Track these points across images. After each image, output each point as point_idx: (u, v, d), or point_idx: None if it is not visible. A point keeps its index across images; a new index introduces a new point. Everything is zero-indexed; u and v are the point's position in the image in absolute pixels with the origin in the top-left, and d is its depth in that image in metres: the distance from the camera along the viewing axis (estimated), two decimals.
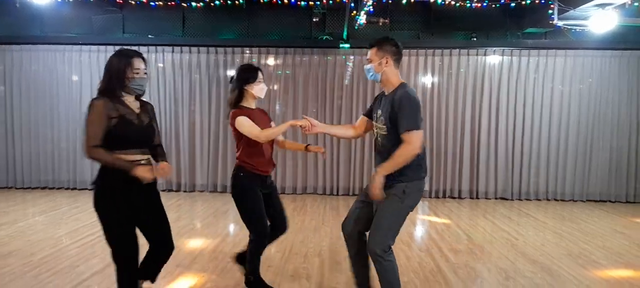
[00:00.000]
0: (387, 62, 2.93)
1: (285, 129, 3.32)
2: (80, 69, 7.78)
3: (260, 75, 3.38)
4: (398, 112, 2.79)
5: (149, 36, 7.70)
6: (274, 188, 3.62)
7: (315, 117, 7.73)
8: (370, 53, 3.00)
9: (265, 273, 3.95)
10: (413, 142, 2.74)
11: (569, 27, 6.37)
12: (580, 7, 5.68)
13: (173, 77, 7.78)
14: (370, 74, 3.01)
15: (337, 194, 7.85)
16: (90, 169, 7.87)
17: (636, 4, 5.69)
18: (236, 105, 3.36)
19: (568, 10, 5.93)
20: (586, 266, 4.30)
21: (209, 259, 4.31)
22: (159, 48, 7.72)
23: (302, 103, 7.77)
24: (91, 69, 7.76)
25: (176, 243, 4.79)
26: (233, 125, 3.27)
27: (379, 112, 3.00)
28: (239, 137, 3.32)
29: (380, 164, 2.88)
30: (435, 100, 7.68)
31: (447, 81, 7.66)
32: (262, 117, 3.44)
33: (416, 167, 2.88)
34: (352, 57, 7.72)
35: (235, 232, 5.36)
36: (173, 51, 7.75)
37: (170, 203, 6.92)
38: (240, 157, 3.37)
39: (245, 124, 3.20)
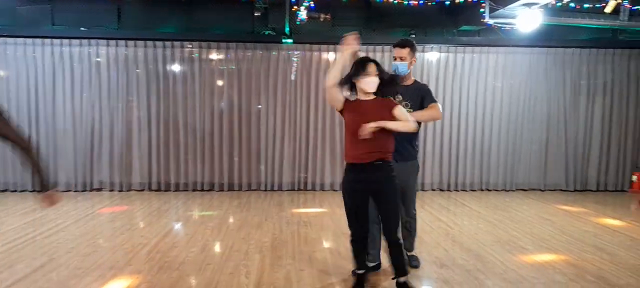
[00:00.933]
0: (414, 60, 3.77)
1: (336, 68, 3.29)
2: (6, 64, 7.30)
3: (369, 68, 3.18)
4: (425, 95, 3.75)
5: (82, 29, 7.31)
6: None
7: (262, 113, 7.70)
8: (404, 52, 3.68)
9: (204, 271, 3.90)
10: (438, 108, 3.75)
11: (499, 25, 6.69)
12: (509, 6, 5.98)
13: (108, 72, 7.46)
14: (401, 68, 3.68)
15: (282, 190, 7.84)
16: (18, 170, 7.41)
17: (559, 4, 6.06)
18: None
19: (498, 9, 6.22)
20: (513, 252, 4.55)
21: (145, 260, 4.18)
22: (93, 41, 7.36)
23: (246, 98, 7.68)
24: (17, 64, 7.30)
25: (111, 245, 4.66)
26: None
27: (399, 97, 3.66)
28: None
29: (401, 143, 3.55)
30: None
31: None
32: (373, 107, 3.21)
33: (417, 149, 3.90)
34: (297, 53, 7.72)
35: (175, 232, 5.23)
36: (108, 45, 7.41)
37: (106, 203, 6.65)
38: None
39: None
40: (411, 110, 3.60)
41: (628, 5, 6.16)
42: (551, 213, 6.38)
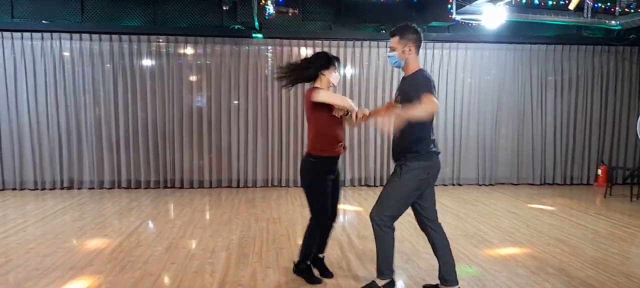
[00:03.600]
0: (410, 50, 3.08)
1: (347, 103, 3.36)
2: None
3: (337, 64, 3.46)
4: (416, 87, 2.98)
5: (43, 22, 7.08)
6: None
7: (233, 109, 7.61)
8: (393, 41, 3.10)
9: (168, 270, 3.83)
10: (427, 101, 2.85)
11: (466, 21, 6.76)
12: (475, 2, 6.05)
13: (73, 67, 7.26)
14: (394, 61, 3.14)
15: (255, 187, 7.78)
16: None
17: (523, 0, 6.16)
18: (300, 81, 3.51)
19: (465, 5, 6.29)
20: (478, 245, 4.62)
21: (107, 260, 4.08)
22: (55, 35, 7.15)
23: (216, 94, 7.57)
24: None
25: (73, 244, 4.53)
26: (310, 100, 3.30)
27: (397, 93, 3.28)
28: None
29: (395, 143, 3.22)
30: (347, 90, 7.82)
31: (359, 72, 7.84)
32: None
33: (416, 151, 3.12)
34: (270, 48, 7.64)
35: (141, 230, 5.12)
36: (71, 38, 7.21)
37: (72, 202, 6.48)
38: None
39: (328, 95, 3.32)
40: (399, 104, 3.17)
41: (590, 3, 6.30)
42: (518, 207, 6.51)
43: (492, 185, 8.24)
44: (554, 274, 3.85)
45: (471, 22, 6.77)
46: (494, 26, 6.62)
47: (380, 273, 3.29)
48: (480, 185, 8.22)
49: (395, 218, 3.26)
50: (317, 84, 3.42)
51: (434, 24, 7.49)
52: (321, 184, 3.40)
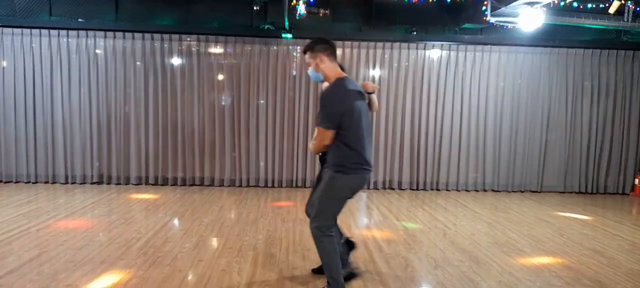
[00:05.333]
0: (322, 60, 3.08)
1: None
2: (3, 53, 7.26)
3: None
4: (321, 107, 3.03)
5: (79, 20, 7.26)
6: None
7: (261, 108, 7.63)
8: (306, 58, 3.16)
9: (196, 267, 3.85)
10: (318, 136, 3.05)
11: (501, 23, 6.61)
12: (511, 4, 5.90)
13: (106, 65, 7.41)
14: (313, 76, 3.18)
15: (281, 186, 7.79)
16: (14, 162, 7.40)
17: (562, 3, 5.97)
18: None
19: (500, 8, 6.14)
20: (510, 254, 4.49)
21: (137, 254, 4.13)
22: (90, 33, 7.31)
23: (245, 93, 7.61)
24: (15, 54, 7.26)
25: (104, 238, 4.61)
26: None
27: None
28: None
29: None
30: (376, 92, 7.72)
31: (388, 74, 7.76)
32: None
33: (344, 162, 3.05)
34: (298, 48, 7.64)
35: (169, 226, 5.18)
36: (106, 37, 7.36)
37: (102, 197, 6.61)
38: None
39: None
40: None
41: (632, 6, 6.07)
42: (550, 215, 6.32)
43: (523, 192, 8.03)
44: (590, 286, 3.71)
45: (506, 24, 6.61)
46: (530, 29, 6.45)
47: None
48: (509, 191, 8.03)
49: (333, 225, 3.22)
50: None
51: (466, 25, 7.36)
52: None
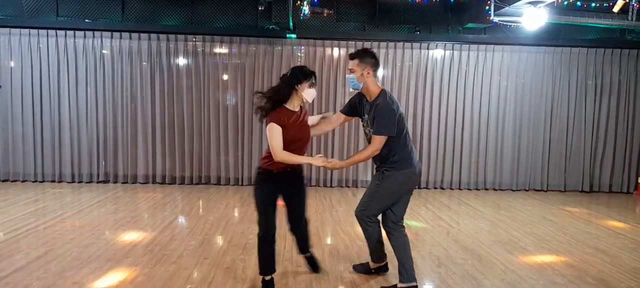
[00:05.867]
0: (368, 73, 3.29)
1: (300, 161, 3.26)
2: (10, 54, 7.33)
3: (313, 79, 3.29)
4: (375, 117, 3.24)
5: (86, 21, 7.33)
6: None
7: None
8: (352, 64, 3.32)
9: (201, 265, 3.89)
10: (375, 144, 3.25)
11: (505, 23, 6.61)
12: (515, 4, 5.91)
13: (112, 65, 7.48)
14: (353, 83, 3.35)
15: None
16: (22, 161, 7.48)
17: (565, 2, 5.98)
18: (279, 103, 3.22)
19: (504, 7, 6.15)
20: (513, 252, 4.51)
21: (143, 252, 4.18)
22: (97, 33, 7.37)
23: (249, 93, 7.65)
24: (22, 54, 7.33)
25: (110, 237, 4.67)
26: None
27: (366, 116, 3.41)
28: None
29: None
30: None
31: (392, 73, 7.78)
32: (298, 121, 3.28)
33: (399, 160, 3.34)
34: (302, 48, 7.68)
35: (175, 225, 5.23)
36: (112, 37, 7.42)
37: (108, 196, 6.67)
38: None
39: (273, 135, 3.13)
40: (371, 129, 3.34)
41: (636, 5, 6.07)
42: (554, 213, 6.33)
43: (526, 190, 8.04)
44: (593, 284, 3.73)
45: (509, 24, 6.62)
46: (533, 28, 6.46)
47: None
48: (515, 190, 8.04)
49: (377, 215, 3.52)
50: (288, 104, 3.24)
51: (470, 25, 7.37)
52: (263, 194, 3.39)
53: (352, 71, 3.32)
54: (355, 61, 3.30)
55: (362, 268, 3.88)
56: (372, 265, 3.82)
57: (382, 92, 3.30)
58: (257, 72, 7.64)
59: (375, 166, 3.55)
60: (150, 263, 3.92)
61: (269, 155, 3.23)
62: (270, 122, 3.14)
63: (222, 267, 3.87)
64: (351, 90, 3.56)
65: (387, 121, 3.21)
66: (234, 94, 7.69)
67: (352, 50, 7.59)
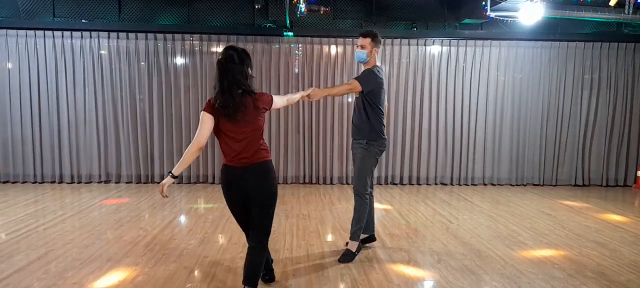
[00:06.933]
0: (376, 51, 4.03)
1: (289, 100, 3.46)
2: (7, 55, 7.32)
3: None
4: (362, 73, 4.03)
5: (82, 21, 7.31)
6: None
7: None
8: (365, 41, 3.95)
9: (201, 263, 3.90)
10: (351, 84, 3.96)
11: (501, 18, 6.62)
12: None
13: (110, 65, 7.47)
14: (361, 57, 4.00)
15: (286, 183, 7.84)
16: (21, 162, 7.47)
17: None
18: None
19: (500, 2, 6.16)
20: (513, 247, 4.53)
21: (143, 252, 4.19)
22: (94, 34, 7.36)
23: None
24: (19, 55, 7.32)
25: (110, 236, 4.67)
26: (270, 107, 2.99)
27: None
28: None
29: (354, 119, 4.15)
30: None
31: (389, 70, 7.78)
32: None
33: (374, 131, 4.01)
34: (300, 46, 7.68)
35: (175, 224, 5.23)
36: (109, 37, 7.41)
37: (108, 196, 6.67)
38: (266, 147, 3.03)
39: (280, 99, 3.27)
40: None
41: None
42: (552, 208, 6.35)
43: (524, 185, 8.06)
44: (592, 278, 3.74)
45: (506, 19, 6.63)
46: (530, 23, 6.46)
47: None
48: (513, 185, 8.05)
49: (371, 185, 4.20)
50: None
51: (467, 21, 7.37)
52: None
53: (363, 47, 3.95)
54: (368, 39, 3.94)
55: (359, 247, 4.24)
56: (361, 236, 4.21)
57: (376, 66, 4.02)
58: (254, 70, 7.60)
59: (354, 140, 4.13)
60: (151, 262, 3.93)
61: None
62: (268, 97, 3.01)
63: (223, 265, 3.88)
64: (356, 62, 3.97)
65: (369, 79, 3.93)
66: None
67: (349, 48, 7.68)
